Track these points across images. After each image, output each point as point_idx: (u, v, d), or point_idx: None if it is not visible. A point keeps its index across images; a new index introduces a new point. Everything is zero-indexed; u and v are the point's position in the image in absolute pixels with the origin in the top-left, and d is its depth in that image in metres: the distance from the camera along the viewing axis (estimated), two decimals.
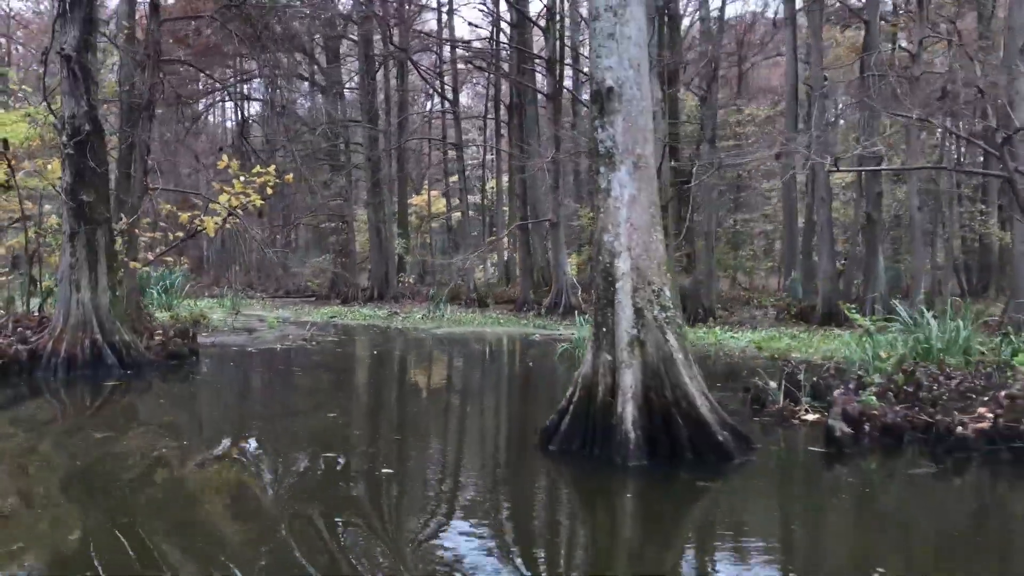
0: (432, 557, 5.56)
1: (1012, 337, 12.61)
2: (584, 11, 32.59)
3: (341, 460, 8.14)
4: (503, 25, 37.60)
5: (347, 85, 43.16)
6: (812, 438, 9.05)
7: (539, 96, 34.99)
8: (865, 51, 24.17)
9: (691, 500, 7.03)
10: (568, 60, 37.11)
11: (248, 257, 42.20)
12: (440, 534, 6.09)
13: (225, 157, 18.65)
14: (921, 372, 10.75)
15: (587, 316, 17.42)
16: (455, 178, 47.11)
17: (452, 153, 46.23)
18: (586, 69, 24.03)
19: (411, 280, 42.40)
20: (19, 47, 46.81)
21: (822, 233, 25.98)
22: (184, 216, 18.43)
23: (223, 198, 18.00)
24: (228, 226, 19.04)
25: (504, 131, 41.39)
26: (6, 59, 46.69)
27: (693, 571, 5.51)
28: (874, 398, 9.55)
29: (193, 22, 26.36)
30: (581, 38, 36.36)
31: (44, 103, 15.71)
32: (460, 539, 5.89)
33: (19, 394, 12.43)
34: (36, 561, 5.30)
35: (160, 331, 16.50)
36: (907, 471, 7.94)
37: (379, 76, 40.57)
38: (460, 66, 41.55)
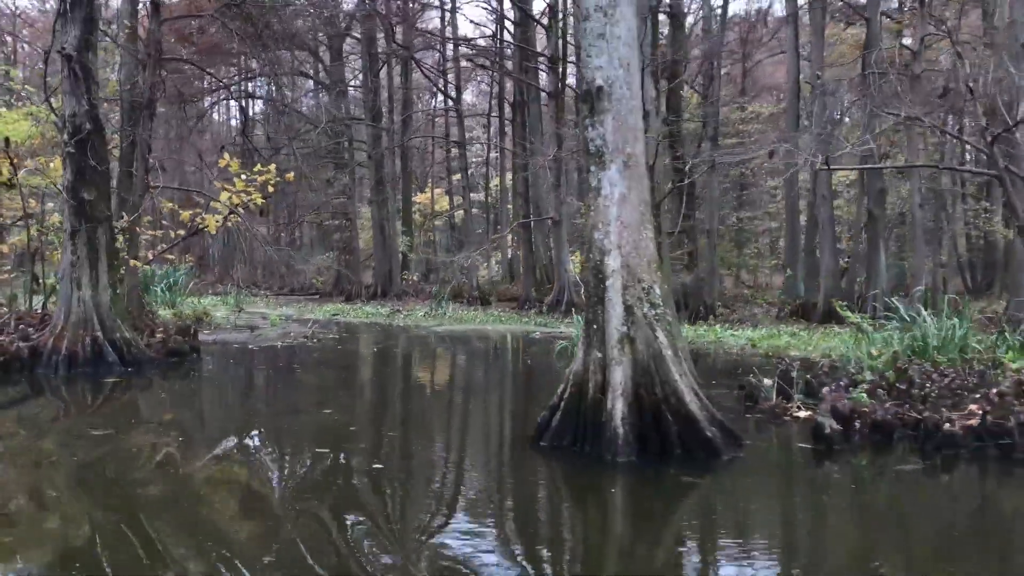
0: (409, 548, 5.63)
1: (1007, 335, 12.66)
2: None
3: (334, 456, 8.24)
4: (507, 23, 37.68)
5: (351, 83, 43.27)
6: (802, 435, 9.09)
7: (542, 94, 35.05)
8: (867, 48, 24.18)
9: (676, 496, 7.09)
10: (571, 58, 37.15)
11: (252, 255, 42.38)
12: (425, 528, 6.16)
13: (226, 155, 18.78)
14: (914, 369, 10.82)
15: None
16: (459, 176, 47.20)
17: (455, 151, 46.33)
18: None
19: (415, 278, 42.51)
20: (25, 45, 47.00)
21: (824, 230, 26.00)
22: (185, 214, 18.57)
23: (224, 196, 18.14)
24: (230, 224, 19.19)
25: (508, 129, 41.46)
26: (12, 57, 46.93)
27: (673, 565, 5.57)
28: (865, 395, 9.61)
29: (197, 20, 26.46)
30: None
31: (46, 102, 15.78)
32: (443, 532, 5.97)
33: (20, 391, 12.54)
34: (41, 559, 5.36)
35: (161, 329, 16.59)
36: (893, 467, 8.00)
37: (383, 74, 40.65)
38: (464, 64, 41.61)
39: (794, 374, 10.90)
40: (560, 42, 34.77)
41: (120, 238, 15.84)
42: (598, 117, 8.51)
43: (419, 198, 49.86)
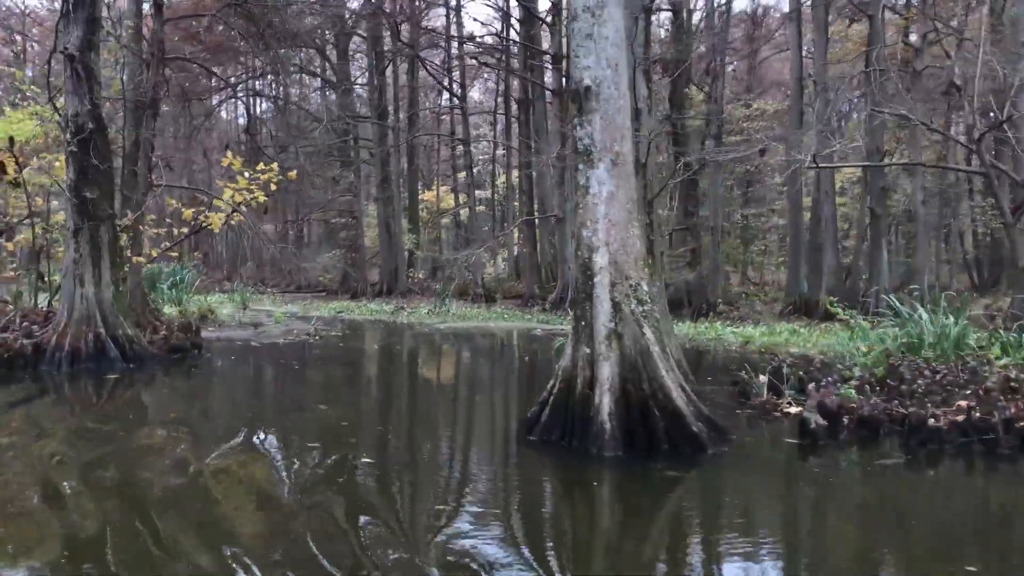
0: (385, 540, 5.75)
1: (1001, 331, 12.69)
2: None
3: (326, 450, 8.37)
4: (512, 21, 37.77)
5: (357, 81, 43.43)
6: (791, 430, 9.18)
7: (547, 92, 35.13)
8: (870, 46, 24.18)
9: (658, 490, 7.18)
10: None
11: (259, 253, 42.59)
12: (409, 521, 6.28)
13: (230, 154, 18.94)
14: (905, 366, 10.88)
15: None
16: (464, 174, 47.31)
17: (461, 149, 46.44)
18: None
19: (420, 275, 42.65)
20: (34, 44, 47.35)
21: (826, 228, 26.03)
22: (188, 212, 18.73)
23: (227, 194, 18.30)
24: (233, 222, 19.36)
25: (515, 126, 41.55)
26: (22, 56, 47.26)
27: (651, 557, 5.67)
28: (853, 391, 9.69)
29: (204, 19, 26.64)
30: None
31: (49, 102, 15.97)
32: (427, 526, 6.10)
33: (23, 389, 12.71)
34: (52, 555, 5.44)
35: (164, 325, 16.76)
36: (875, 462, 8.08)
37: (388, 72, 40.78)
38: (470, 62, 41.71)
39: (786, 370, 10.98)
40: (564, 40, 34.79)
41: (123, 236, 15.99)
42: (586, 116, 8.62)
43: (426, 196, 50.00)
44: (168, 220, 20.79)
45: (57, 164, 17.01)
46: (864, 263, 26.74)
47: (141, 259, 17.54)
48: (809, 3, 27.98)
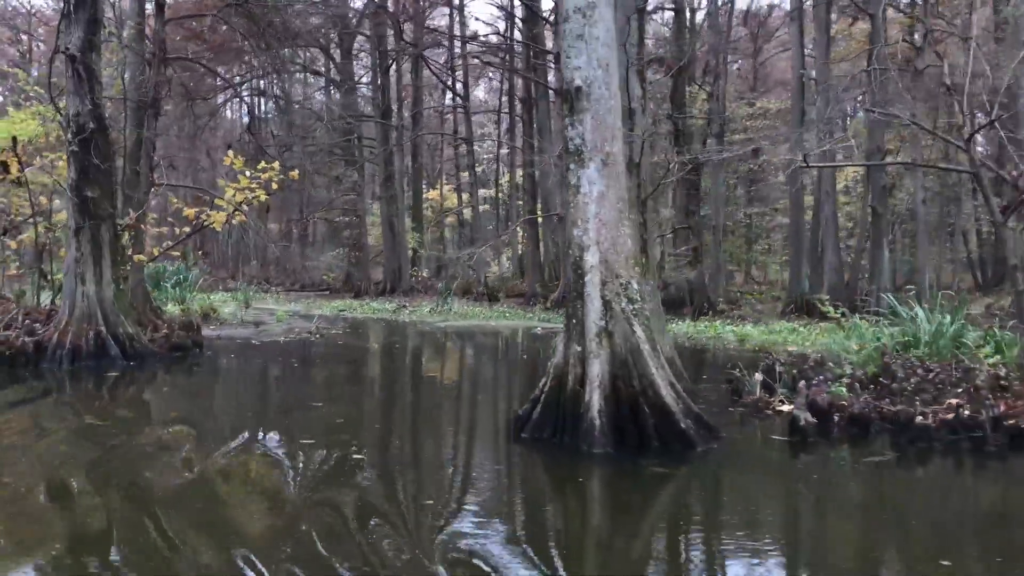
0: (367, 532, 5.84)
1: (996, 330, 12.72)
2: None
3: (320, 448, 8.47)
4: (516, 20, 37.82)
5: (361, 80, 43.56)
6: (782, 428, 9.24)
7: (550, 91, 35.19)
8: (872, 45, 24.18)
9: (644, 486, 7.25)
10: None
11: (261, 252, 42.73)
12: (395, 515, 6.37)
13: (231, 153, 19.05)
14: (897, 364, 10.92)
15: None
16: (467, 173, 47.39)
17: (464, 148, 46.52)
18: None
19: (424, 274, 42.76)
20: (40, 44, 47.54)
21: (827, 227, 26.08)
22: (190, 211, 18.84)
23: (228, 193, 18.41)
24: (235, 221, 19.47)
25: (519, 125, 41.62)
26: (28, 55, 47.49)
27: (632, 551, 5.74)
28: (844, 389, 9.75)
29: (208, 18, 26.76)
30: None
31: (51, 102, 16.09)
32: (410, 517, 6.18)
33: (25, 386, 12.84)
34: (55, 552, 5.51)
35: (165, 324, 16.88)
36: (864, 459, 8.14)
37: (392, 71, 40.88)
38: (473, 61, 41.77)
39: (779, 369, 11.03)
40: None
41: (125, 235, 16.11)
42: (577, 116, 8.70)
43: (430, 195, 50.10)
44: (170, 219, 20.86)
45: (60, 163, 17.13)
46: (866, 262, 26.74)
47: (142, 257, 17.63)
48: (810, 2, 27.97)
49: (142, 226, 18.12)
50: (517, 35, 38.23)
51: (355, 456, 8.08)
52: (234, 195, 18.29)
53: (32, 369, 13.93)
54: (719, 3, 31.81)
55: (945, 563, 5.25)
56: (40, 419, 10.36)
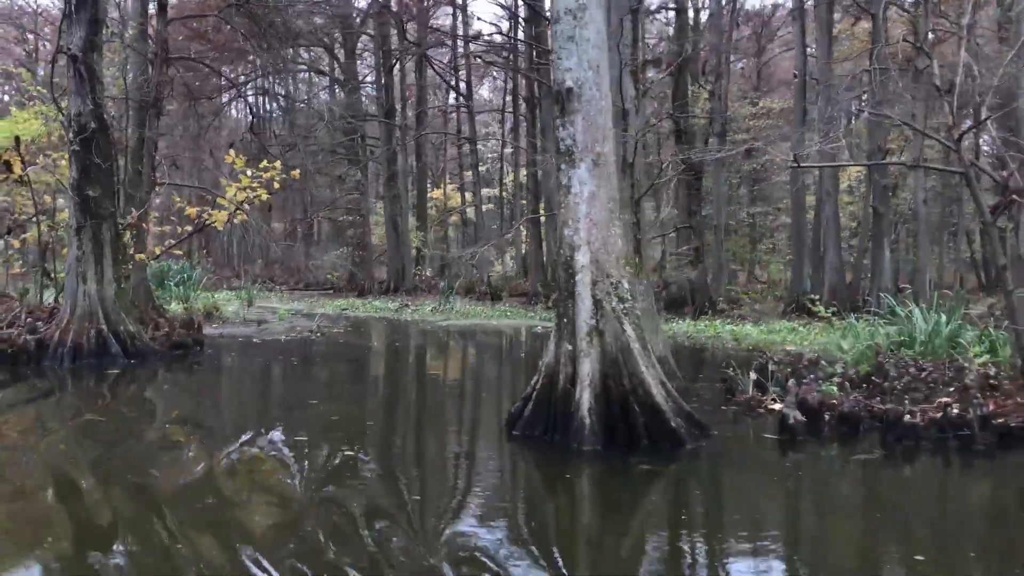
0: (349, 521, 5.94)
1: (990, 330, 12.77)
2: None
3: (312, 443, 8.57)
4: (520, 20, 37.84)
5: (365, 79, 43.65)
6: (773, 426, 9.31)
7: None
8: (873, 44, 24.19)
9: (629, 483, 7.33)
10: None
11: (265, 251, 42.86)
12: (381, 508, 6.47)
13: (232, 152, 19.17)
14: (890, 363, 10.99)
15: None
16: (471, 172, 47.45)
17: (468, 147, 46.59)
18: None
19: (428, 273, 42.84)
20: (46, 43, 47.71)
21: (828, 227, 26.09)
22: (192, 210, 18.97)
23: (230, 192, 18.54)
24: (237, 221, 19.59)
25: (523, 125, 41.64)
26: (34, 55, 47.70)
27: (612, 545, 5.83)
28: (835, 388, 9.81)
29: (212, 18, 26.88)
30: None
31: (53, 102, 16.23)
32: (397, 511, 6.28)
33: (27, 385, 12.96)
34: (65, 549, 5.63)
35: (166, 322, 17.00)
36: (850, 457, 8.22)
37: (395, 71, 40.95)
38: (476, 61, 41.81)
39: (771, 368, 11.10)
40: None
41: (126, 234, 16.23)
42: (568, 117, 8.78)
43: (434, 194, 50.17)
44: (172, 218, 21.01)
45: (63, 163, 17.27)
46: (869, 262, 26.76)
47: (143, 257, 17.74)
48: (812, 2, 27.98)
49: (144, 225, 18.25)
50: (520, 35, 38.28)
51: (347, 453, 8.18)
52: (235, 194, 18.42)
53: (34, 367, 14.08)
54: (722, 2, 31.79)
55: (919, 558, 5.33)
56: (41, 417, 10.50)
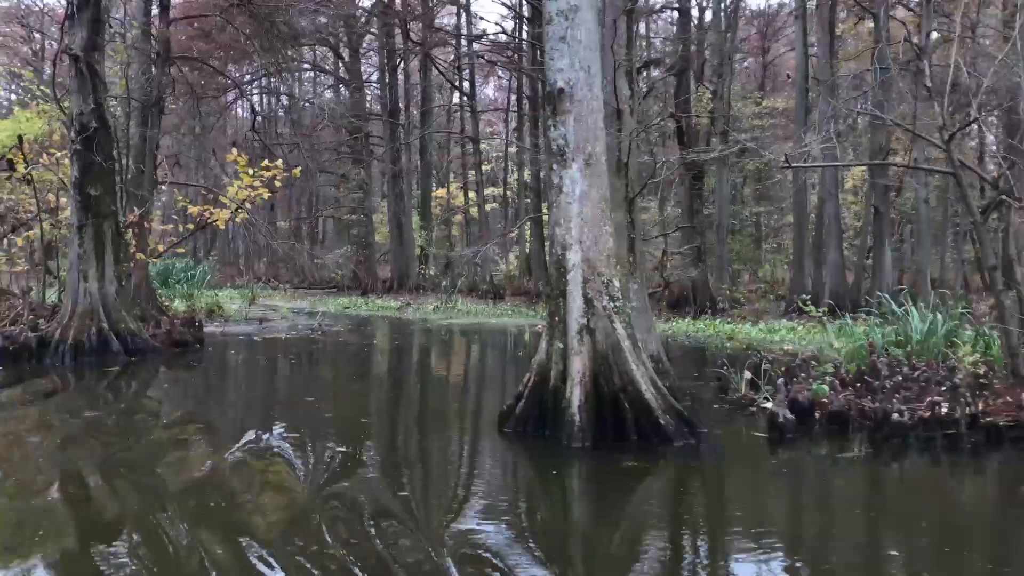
0: (337, 517, 6.03)
1: (986, 329, 12.81)
2: None
3: (304, 438, 8.68)
4: (524, 19, 37.89)
5: (369, 79, 43.78)
6: (764, 424, 9.37)
7: None
8: (875, 44, 24.24)
9: (613, 478, 7.41)
10: None
11: (270, 250, 42.97)
12: (371, 503, 6.56)
13: (234, 151, 19.29)
14: (883, 362, 11.04)
15: None
16: (474, 172, 47.49)
17: (471, 146, 46.63)
18: None
19: (432, 272, 42.94)
20: (53, 43, 47.88)
21: (829, 227, 26.13)
22: (194, 209, 19.11)
23: (231, 191, 18.67)
24: (238, 219, 19.72)
25: (528, 124, 41.67)
26: (41, 54, 47.91)
27: (589, 538, 5.92)
28: (826, 387, 9.87)
29: (217, 17, 27.00)
30: None
31: (55, 102, 16.36)
32: (385, 505, 6.38)
33: (31, 384, 13.06)
34: (72, 545, 5.69)
35: (167, 320, 17.13)
36: (836, 455, 8.29)
37: (400, 70, 41.06)
38: (479, 60, 41.86)
39: (765, 367, 11.16)
40: None
41: (128, 232, 16.36)
42: (560, 118, 8.85)
43: (438, 193, 50.26)
44: (174, 217, 21.15)
45: (66, 161, 17.40)
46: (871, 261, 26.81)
47: (142, 256, 17.84)
48: (814, 1, 28.00)
49: (146, 223, 18.38)
50: (524, 34, 38.34)
51: (338, 449, 8.28)
52: (237, 193, 18.55)
53: (35, 364, 14.21)
54: (724, 3, 31.85)
55: (892, 553, 5.41)
56: (43, 414, 10.61)
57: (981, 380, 9.70)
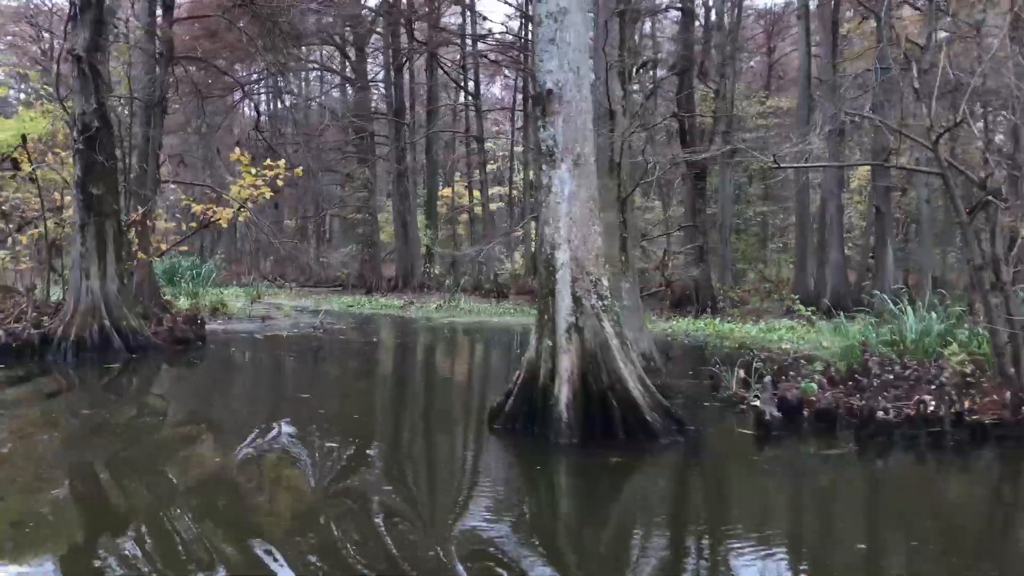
0: (331, 510, 6.17)
1: (980, 329, 12.87)
2: None
3: (297, 433, 8.82)
4: (529, 19, 38.03)
5: (378, 78, 43.94)
6: (753, 422, 9.46)
7: None
8: (878, 44, 24.27)
9: (596, 474, 7.52)
10: None
11: (273, 248, 43.14)
12: (366, 499, 6.69)
13: (237, 150, 19.46)
14: (874, 361, 11.13)
15: None
16: (479, 171, 47.61)
17: (476, 146, 46.75)
18: None
19: (437, 271, 43.05)
20: (61, 43, 48.13)
21: (830, 227, 26.18)
22: (197, 207, 19.28)
23: (234, 190, 18.84)
24: (241, 218, 19.90)
25: (533, 123, 41.76)
26: (49, 53, 48.19)
27: (569, 532, 6.03)
28: (815, 386, 9.97)
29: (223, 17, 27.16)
30: None
31: (58, 101, 16.54)
32: (382, 500, 6.51)
33: (34, 384, 13.22)
34: (78, 542, 5.81)
35: (169, 317, 17.30)
36: (821, 452, 8.39)
37: (405, 69, 41.18)
38: (484, 59, 41.99)
39: (756, 365, 11.25)
40: None
41: (130, 231, 16.53)
42: (549, 119, 8.96)
43: (443, 192, 50.40)
44: (177, 215, 21.34)
45: (71, 160, 17.58)
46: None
47: (144, 254, 17.99)
48: (816, 1, 28.04)
49: (148, 222, 18.55)
50: (530, 34, 38.45)
51: (328, 444, 8.41)
52: (239, 192, 18.72)
53: (38, 361, 14.38)
54: (727, 2, 31.90)
55: (860, 546, 5.51)
56: (43, 409, 10.78)
57: (968, 379, 9.79)
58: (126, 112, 18.71)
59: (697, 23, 31.54)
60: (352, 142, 40.18)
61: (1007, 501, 7.40)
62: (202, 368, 14.95)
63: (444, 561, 5.20)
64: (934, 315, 12.84)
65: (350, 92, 42.86)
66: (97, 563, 5.21)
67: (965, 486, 7.75)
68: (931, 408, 8.99)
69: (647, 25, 34.99)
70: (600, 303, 8.82)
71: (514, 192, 50.47)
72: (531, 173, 44.57)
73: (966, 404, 9.03)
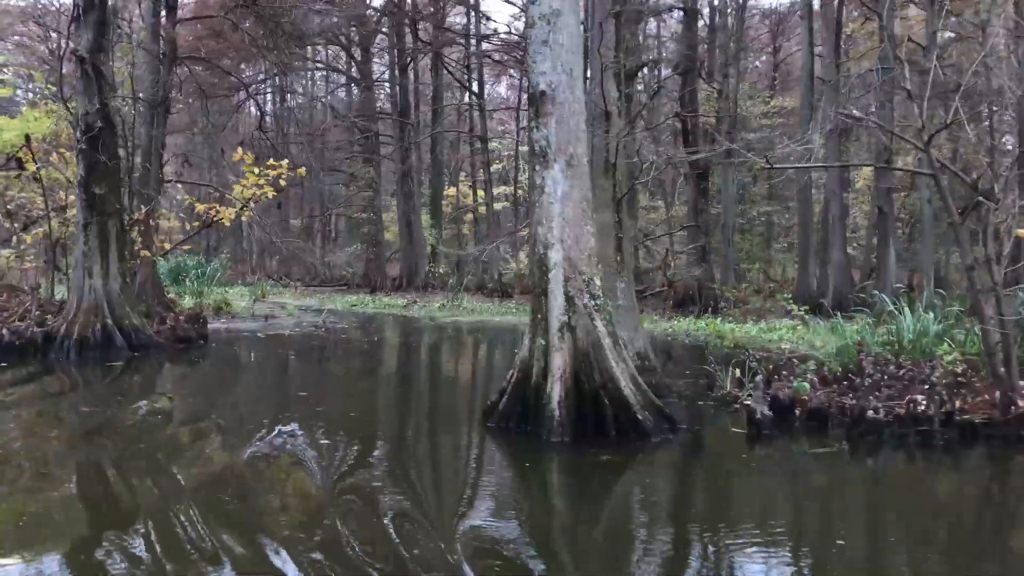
0: (320, 507, 6.26)
1: (975, 329, 12.91)
2: None
3: (292, 429, 8.93)
4: None
5: (384, 78, 44.07)
6: (744, 420, 9.54)
7: None
8: (880, 44, 24.25)
9: (585, 472, 7.61)
10: None
11: (278, 247, 43.30)
12: (353, 494, 6.79)
13: (240, 150, 19.60)
14: (868, 360, 11.18)
15: None
16: (483, 171, 47.71)
17: (480, 145, 46.85)
18: None
19: (442, 270, 43.16)
20: (68, 42, 48.31)
21: (833, 227, 26.18)
22: (200, 207, 19.42)
23: (237, 189, 18.97)
24: (244, 218, 20.03)
25: None
26: (58, 53, 48.40)
27: (552, 527, 6.12)
28: (807, 385, 10.03)
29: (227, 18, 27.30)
30: None
31: (61, 102, 16.68)
32: (370, 495, 6.60)
33: (38, 385, 13.36)
34: (84, 538, 5.87)
35: (172, 316, 17.42)
36: (810, 451, 8.45)
37: (410, 69, 41.30)
38: (487, 59, 42.09)
39: (750, 364, 11.32)
40: None
41: (133, 230, 16.66)
42: (542, 119, 9.05)
43: (448, 191, 50.52)
44: (181, 215, 21.48)
45: (74, 160, 17.71)
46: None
47: (147, 253, 18.12)
48: (818, 1, 28.07)
49: (152, 221, 18.69)
50: None
51: (323, 441, 8.52)
52: (242, 192, 18.85)
53: (41, 359, 14.53)
54: (730, 3, 31.94)
55: (840, 542, 5.59)
56: (42, 409, 10.91)
57: (959, 379, 9.84)
58: (130, 112, 18.80)
59: (701, 22, 31.57)
60: (357, 142, 40.32)
61: (995, 500, 7.46)
62: (203, 367, 15.07)
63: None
64: (931, 315, 12.88)
65: (355, 92, 43.02)
66: (103, 560, 5.29)
67: (954, 484, 7.83)
68: (922, 407, 9.07)
69: (652, 25, 35.06)
70: (593, 302, 8.90)
71: (519, 192, 50.53)
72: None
73: (957, 404, 9.09)
